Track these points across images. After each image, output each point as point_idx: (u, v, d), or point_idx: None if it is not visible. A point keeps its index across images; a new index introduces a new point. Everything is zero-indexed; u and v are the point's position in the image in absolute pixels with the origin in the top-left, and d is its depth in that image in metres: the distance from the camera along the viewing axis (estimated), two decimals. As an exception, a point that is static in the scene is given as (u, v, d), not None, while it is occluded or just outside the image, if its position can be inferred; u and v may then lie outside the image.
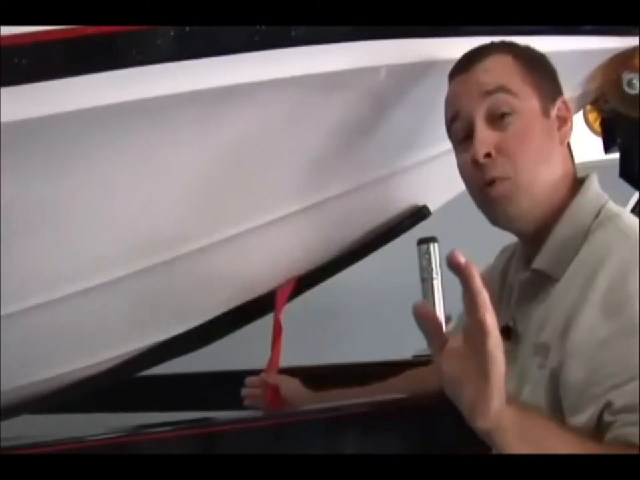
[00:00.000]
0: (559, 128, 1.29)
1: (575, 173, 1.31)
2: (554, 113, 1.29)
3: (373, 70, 1.37)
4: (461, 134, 1.30)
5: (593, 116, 1.85)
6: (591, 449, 1.05)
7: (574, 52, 1.61)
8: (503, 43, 1.32)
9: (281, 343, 1.65)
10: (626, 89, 1.67)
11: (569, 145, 1.32)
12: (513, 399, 1.03)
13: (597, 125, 1.84)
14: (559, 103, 1.30)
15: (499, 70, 1.28)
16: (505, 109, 1.25)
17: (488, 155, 1.24)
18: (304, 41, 1.29)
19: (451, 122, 1.32)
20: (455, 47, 1.35)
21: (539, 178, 1.25)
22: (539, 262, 1.26)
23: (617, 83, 1.68)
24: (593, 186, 1.29)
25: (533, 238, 1.28)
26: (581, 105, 1.78)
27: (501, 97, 1.26)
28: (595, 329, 1.12)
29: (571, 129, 1.31)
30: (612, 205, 1.27)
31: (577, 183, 1.30)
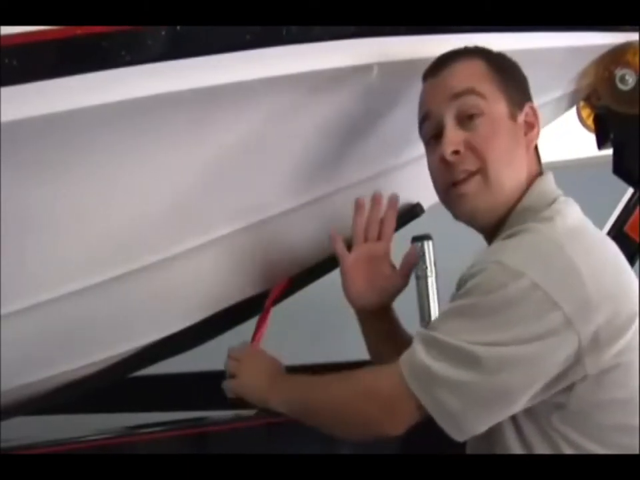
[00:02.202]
0: (526, 133, 1.33)
1: (538, 176, 1.34)
2: (521, 118, 1.32)
3: (365, 68, 1.37)
4: (430, 134, 1.34)
5: (586, 112, 1.85)
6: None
7: (567, 48, 1.61)
8: (475, 48, 1.35)
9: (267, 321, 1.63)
10: (618, 85, 1.68)
11: (536, 149, 1.36)
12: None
13: (590, 121, 1.84)
14: (526, 109, 1.33)
15: (469, 73, 1.31)
16: (473, 111, 1.29)
17: (456, 152, 1.29)
18: (296, 39, 1.30)
19: (421, 122, 1.36)
20: (448, 44, 1.36)
21: (504, 176, 1.29)
22: None
23: (610, 79, 1.68)
24: (539, 188, 1.31)
25: (491, 235, 1.32)
26: (574, 102, 1.78)
27: (470, 98, 1.30)
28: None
29: (537, 134, 1.34)
30: (554, 207, 1.28)
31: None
